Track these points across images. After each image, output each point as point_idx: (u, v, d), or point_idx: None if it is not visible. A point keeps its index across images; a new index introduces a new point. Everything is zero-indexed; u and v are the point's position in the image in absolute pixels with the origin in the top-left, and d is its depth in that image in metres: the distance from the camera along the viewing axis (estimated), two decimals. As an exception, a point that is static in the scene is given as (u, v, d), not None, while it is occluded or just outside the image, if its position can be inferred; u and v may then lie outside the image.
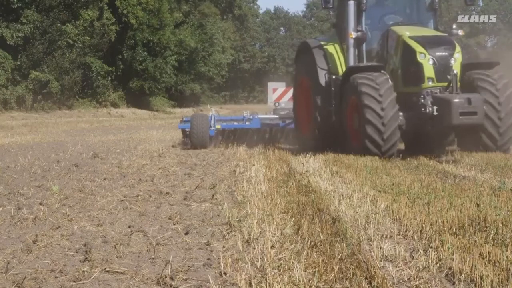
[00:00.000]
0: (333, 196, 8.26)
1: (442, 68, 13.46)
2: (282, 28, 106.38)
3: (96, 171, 11.74)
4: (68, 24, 47.83)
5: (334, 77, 14.91)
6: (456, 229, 6.14)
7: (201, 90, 76.12)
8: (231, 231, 6.37)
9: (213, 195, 8.80)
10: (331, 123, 14.86)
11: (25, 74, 45.56)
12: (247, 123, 17.97)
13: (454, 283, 4.66)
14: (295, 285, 4.56)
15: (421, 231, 6.11)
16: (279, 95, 18.96)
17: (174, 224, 6.86)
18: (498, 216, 6.62)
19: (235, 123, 18.25)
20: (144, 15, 54.40)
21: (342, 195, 8.36)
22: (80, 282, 4.81)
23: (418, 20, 15.28)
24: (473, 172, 10.58)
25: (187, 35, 64.86)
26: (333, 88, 14.83)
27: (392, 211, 7.09)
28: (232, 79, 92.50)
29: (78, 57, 48.71)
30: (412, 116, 13.48)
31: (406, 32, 14.02)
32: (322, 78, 15.11)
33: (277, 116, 18.38)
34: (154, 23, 55.73)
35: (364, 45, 14.79)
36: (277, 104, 18.78)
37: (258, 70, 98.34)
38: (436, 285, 4.62)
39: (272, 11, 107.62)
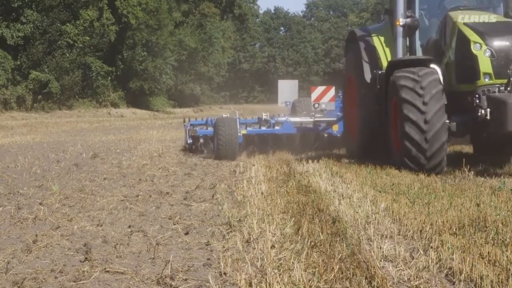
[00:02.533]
0: (333, 196, 8.27)
1: (503, 61, 10.97)
2: (282, 28, 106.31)
3: (96, 171, 11.74)
4: (68, 24, 47.84)
5: (379, 72, 12.60)
6: (456, 229, 6.15)
7: (201, 90, 76.10)
8: (231, 231, 6.37)
9: (213, 195, 8.80)
10: (376, 127, 12.65)
11: (25, 74, 45.57)
12: (276, 127, 15.34)
13: (454, 283, 4.66)
14: (295, 285, 4.56)
15: (421, 231, 6.12)
16: (319, 94, 16.84)
17: (174, 224, 6.86)
18: (498, 216, 6.63)
19: (263, 128, 15.58)
20: (144, 15, 54.40)
21: (342, 195, 8.37)
22: (80, 282, 4.81)
23: (489, 4, 12.83)
24: (473, 172, 10.58)
25: (187, 35, 64.87)
26: (378, 86, 12.54)
27: (392, 211, 7.10)
28: (232, 79, 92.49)
29: (78, 57, 48.72)
30: (466, 120, 11.22)
31: (463, 17, 11.62)
32: (367, 73, 12.94)
33: (311, 119, 16.03)
34: (153, 23, 55.72)
35: (417, 34, 12.47)
36: (316, 105, 16.71)
37: (258, 70, 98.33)
38: (436, 285, 4.62)
39: (272, 11, 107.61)
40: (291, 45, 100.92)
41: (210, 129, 15.07)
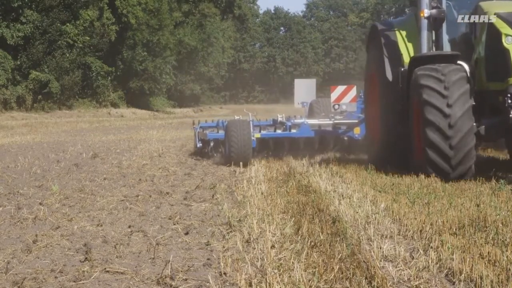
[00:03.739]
0: (333, 196, 8.27)
1: None
2: (282, 28, 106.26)
3: (96, 171, 11.74)
4: (68, 24, 47.83)
5: (402, 69, 11.44)
6: (456, 229, 6.15)
7: (201, 90, 76.14)
8: (231, 231, 6.37)
9: (213, 195, 8.81)
10: (399, 130, 11.39)
11: (25, 74, 45.57)
12: (293, 130, 14.24)
13: (454, 283, 4.66)
14: (295, 285, 4.56)
15: (421, 231, 6.12)
16: (339, 95, 15.22)
17: (174, 224, 6.87)
18: (498, 216, 6.63)
19: (279, 131, 14.52)
20: (144, 15, 54.42)
21: (342, 195, 8.37)
22: (80, 282, 4.81)
23: None
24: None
25: (187, 34, 64.89)
26: (400, 85, 11.42)
27: (392, 211, 7.10)
28: (232, 79, 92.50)
29: (78, 57, 48.71)
30: (497, 123, 10.21)
31: (495, 8, 10.45)
32: (389, 70, 11.71)
33: (330, 121, 14.81)
34: (154, 24, 55.75)
35: (444, 27, 11.26)
36: (336, 106, 15.17)
37: (258, 70, 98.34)
38: (436, 285, 4.62)
39: (272, 11, 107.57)
40: (291, 45, 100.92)
41: (221, 132, 14.09)
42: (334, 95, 15.29)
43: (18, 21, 44.94)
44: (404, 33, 11.81)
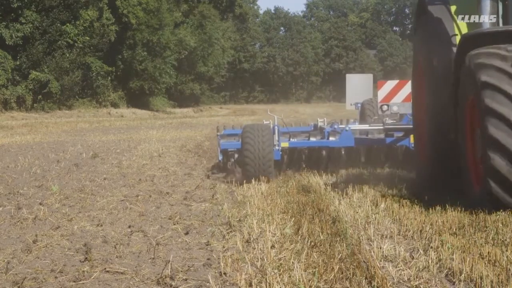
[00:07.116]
0: (333, 196, 8.27)
1: None
2: (282, 28, 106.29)
3: (96, 171, 11.74)
4: (68, 24, 47.84)
5: (455, 56, 8.10)
6: (456, 229, 6.15)
7: (201, 90, 76.14)
8: (231, 231, 6.37)
9: (213, 195, 8.81)
10: (450, 139, 8.22)
11: (25, 74, 45.59)
12: (331, 138, 11.31)
13: (454, 283, 4.66)
14: (295, 285, 4.56)
15: (421, 231, 6.12)
16: (388, 92, 12.26)
17: (174, 224, 6.87)
18: (498, 216, 6.63)
19: (313, 139, 11.54)
20: (144, 15, 54.42)
21: (342, 195, 8.37)
22: (80, 282, 4.81)
23: None
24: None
25: (187, 34, 64.88)
26: (453, 77, 8.10)
27: (392, 211, 7.10)
28: (232, 79, 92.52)
29: (78, 57, 48.70)
30: None
31: None
32: (440, 56, 8.45)
33: (382, 127, 11.20)
34: (154, 23, 55.76)
35: None
36: (385, 107, 12.12)
37: (258, 70, 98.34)
38: (436, 285, 4.62)
39: (272, 11, 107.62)
40: (291, 45, 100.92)
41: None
42: (382, 93, 12.41)
43: (17, 21, 44.95)
44: (459, 6, 8.67)
